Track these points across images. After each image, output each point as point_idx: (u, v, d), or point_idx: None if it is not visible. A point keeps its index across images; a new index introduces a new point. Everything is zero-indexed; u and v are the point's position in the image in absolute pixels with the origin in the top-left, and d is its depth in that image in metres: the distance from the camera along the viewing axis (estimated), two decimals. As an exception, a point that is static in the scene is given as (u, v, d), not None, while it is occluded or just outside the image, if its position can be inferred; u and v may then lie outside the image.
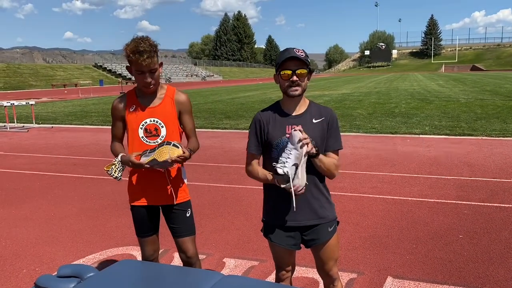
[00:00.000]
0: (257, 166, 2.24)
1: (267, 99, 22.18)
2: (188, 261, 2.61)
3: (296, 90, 2.11)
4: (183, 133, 2.62)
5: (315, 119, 2.18)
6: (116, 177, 2.45)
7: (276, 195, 2.21)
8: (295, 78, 2.08)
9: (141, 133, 2.48)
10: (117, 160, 2.45)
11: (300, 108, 2.20)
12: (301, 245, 2.31)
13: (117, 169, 2.44)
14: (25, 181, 6.50)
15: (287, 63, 2.08)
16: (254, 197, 5.31)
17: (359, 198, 5.27)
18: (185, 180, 2.66)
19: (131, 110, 2.49)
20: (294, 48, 2.10)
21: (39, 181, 6.49)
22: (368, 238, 4.02)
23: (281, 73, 2.11)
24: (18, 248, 3.97)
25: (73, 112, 17.94)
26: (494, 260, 3.49)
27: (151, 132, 2.48)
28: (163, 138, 2.48)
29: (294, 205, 2.02)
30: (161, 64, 2.46)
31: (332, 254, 2.30)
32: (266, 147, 2.21)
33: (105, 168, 2.46)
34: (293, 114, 2.19)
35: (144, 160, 2.34)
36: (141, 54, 2.28)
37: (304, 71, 2.09)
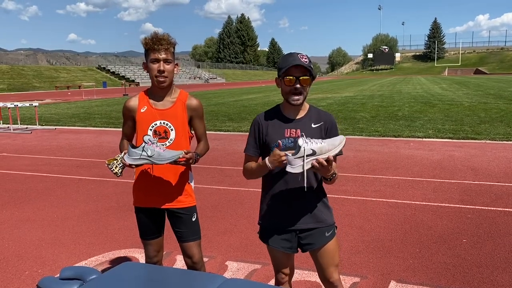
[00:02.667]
0: (253, 163, 2.24)
1: (270, 102, 22.19)
2: (194, 266, 2.61)
3: (298, 99, 2.09)
4: (193, 137, 2.62)
5: (314, 124, 2.18)
6: (115, 173, 2.42)
7: (273, 197, 2.22)
8: (298, 85, 2.07)
9: (150, 134, 2.48)
10: (119, 156, 2.44)
11: (300, 113, 2.19)
12: (299, 249, 2.29)
13: (118, 164, 2.42)
14: (27, 182, 6.51)
15: (291, 70, 2.06)
16: (257, 200, 5.28)
17: (362, 201, 5.25)
18: (192, 184, 2.65)
19: (142, 110, 2.50)
20: (298, 54, 2.08)
21: (41, 182, 6.50)
22: (371, 241, 4.00)
23: (284, 78, 2.09)
24: (20, 250, 3.97)
25: (76, 113, 17.99)
26: (498, 265, 3.47)
27: (160, 134, 2.48)
28: (172, 141, 2.48)
29: (305, 184, 2.00)
30: (177, 65, 2.49)
31: (332, 260, 2.26)
32: (264, 150, 2.22)
33: (106, 162, 2.44)
34: (293, 118, 2.19)
35: (128, 160, 2.33)
36: (160, 41, 2.36)
37: (307, 78, 2.08)
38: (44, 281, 1.66)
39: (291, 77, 2.07)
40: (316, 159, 1.91)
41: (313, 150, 1.91)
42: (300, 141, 1.92)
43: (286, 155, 1.96)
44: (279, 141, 2.01)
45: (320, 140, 1.96)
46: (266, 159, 2.05)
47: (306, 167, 1.92)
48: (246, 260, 3.66)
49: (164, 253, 2.77)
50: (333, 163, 2.01)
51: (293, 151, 1.94)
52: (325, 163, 1.92)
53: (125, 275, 1.72)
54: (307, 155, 1.91)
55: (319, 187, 2.24)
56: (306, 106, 2.22)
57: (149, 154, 2.28)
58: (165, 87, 2.45)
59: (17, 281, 3.36)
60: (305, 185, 2.00)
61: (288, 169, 1.94)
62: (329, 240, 2.24)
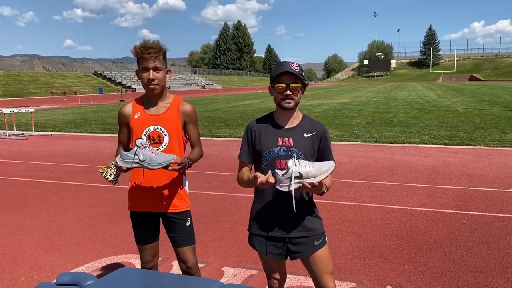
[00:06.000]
0: (246, 171, 2.26)
1: (266, 108, 22.23)
2: (188, 271, 2.61)
3: (289, 102, 2.14)
4: (187, 142, 2.63)
5: (306, 133, 2.21)
6: (110, 181, 2.42)
7: (263, 205, 2.24)
8: (288, 92, 2.12)
9: (144, 139, 2.49)
10: (113, 164, 2.44)
11: (293, 121, 2.23)
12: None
13: (112, 172, 2.42)
14: (23, 188, 6.49)
15: (282, 77, 2.12)
16: (253, 206, 5.30)
17: (358, 207, 5.27)
18: (187, 189, 2.66)
19: (136, 116, 2.52)
20: (289, 62, 2.15)
21: (37, 188, 6.48)
22: (367, 247, 4.01)
23: (275, 86, 2.15)
24: (16, 256, 3.96)
25: (72, 119, 17.95)
26: (493, 270, 3.49)
27: (154, 140, 2.50)
28: (165, 146, 2.49)
29: (294, 205, 2.03)
30: (169, 71, 2.51)
31: (326, 267, 2.26)
32: (257, 157, 2.24)
33: (99, 170, 2.44)
34: (286, 126, 2.22)
35: (120, 163, 2.33)
36: (148, 50, 2.37)
37: (297, 85, 2.13)
38: (40, 287, 1.66)
39: (282, 84, 2.12)
40: (302, 183, 1.96)
41: (300, 173, 1.96)
42: (290, 163, 1.97)
43: (276, 174, 2.00)
44: (276, 170, 2.03)
45: (310, 163, 2.00)
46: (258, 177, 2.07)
47: (292, 187, 1.97)
48: (242, 265, 3.66)
49: (160, 259, 2.77)
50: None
51: (284, 171, 1.99)
52: (309, 186, 1.96)
53: (121, 281, 1.73)
54: (294, 177, 1.96)
55: (309, 197, 2.26)
56: (299, 115, 2.26)
57: (141, 158, 2.29)
58: (157, 94, 2.49)
59: (13, 287, 3.35)
60: (294, 205, 2.03)
61: (277, 186, 2.00)
62: (318, 249, 2.25)
